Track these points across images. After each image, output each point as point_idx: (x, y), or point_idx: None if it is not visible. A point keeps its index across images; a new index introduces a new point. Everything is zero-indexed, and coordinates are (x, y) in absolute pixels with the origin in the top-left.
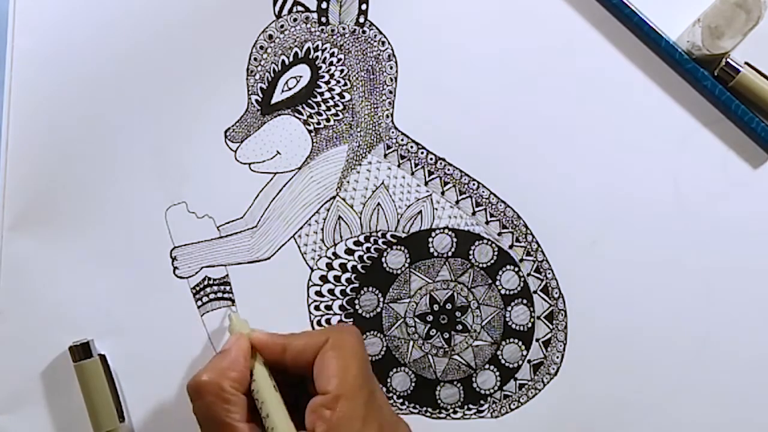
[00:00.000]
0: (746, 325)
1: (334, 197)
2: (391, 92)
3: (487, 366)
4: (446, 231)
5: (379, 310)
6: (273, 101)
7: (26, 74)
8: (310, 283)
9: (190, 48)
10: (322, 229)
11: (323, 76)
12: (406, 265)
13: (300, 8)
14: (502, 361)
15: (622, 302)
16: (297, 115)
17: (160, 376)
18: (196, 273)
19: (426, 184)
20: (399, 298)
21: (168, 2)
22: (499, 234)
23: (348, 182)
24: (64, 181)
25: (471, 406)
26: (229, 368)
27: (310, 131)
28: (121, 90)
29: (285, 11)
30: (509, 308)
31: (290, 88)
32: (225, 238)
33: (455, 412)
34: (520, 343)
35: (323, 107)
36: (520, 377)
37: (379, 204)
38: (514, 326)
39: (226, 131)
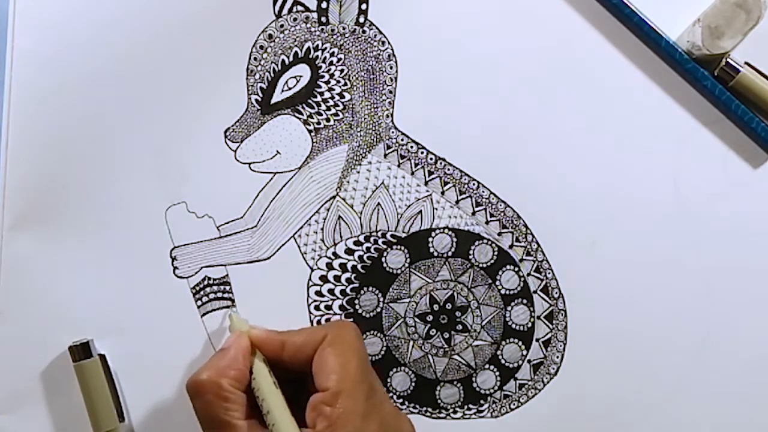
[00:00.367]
0: (746, 325)
1: (334, 197)
2: (391, 92)
3: (487, 366)
4: (446, 231)
5: (379, 310)
6: (273, 101)
7: (26, 74)
8: (310, 283)
9: (190, 48)
10: (322, 229)
11: (323, 76)
12: (406, 264)
13: (300, 8)
14: (502, 361)
15: (622, 302)
16: (297, 114)
17: (160, 376)
18: (196, 273)
19: (426, 183)
20: (399, 298)
21: (168, 2)
22: (499, 234)
23: (348, 182)
24: (64, 181)
25: (471, 406)
26: (228, 366)
27: (310, 131)
28: (121, 90)
29: (285, 11)
30: (509, 308)
31: (290, 88)
32: (225, 238)
33: (455, 412)
34: (520, 343)
35: (323, 107)
36: (520, 377)
37: (379, 204)
38: (514, 326)
39: (226, 131)
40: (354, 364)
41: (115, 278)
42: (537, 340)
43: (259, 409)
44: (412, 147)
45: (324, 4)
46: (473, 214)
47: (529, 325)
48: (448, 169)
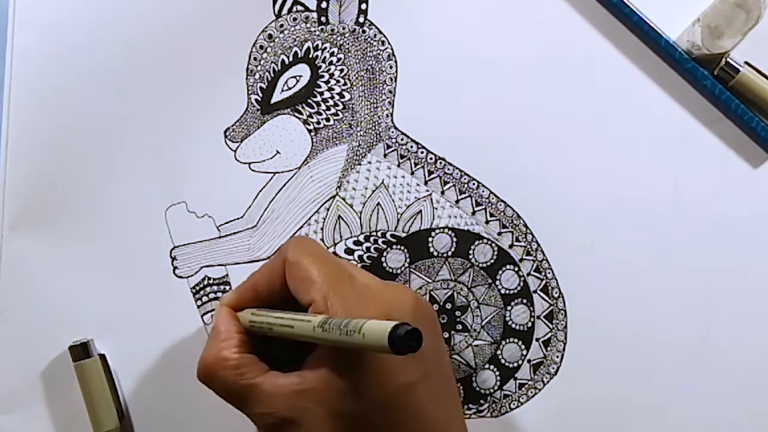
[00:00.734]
0: (746, 325)
1: (333, 197)
2: (390, 92)
3: (486, 365)
4: (446, 230)
5: None
6: (273, 101)
7: (26, 74)
8: None
9: (190, 48)
10: (322, 229)
11: (323, 76)
12: (406, 264)
13: (300, 8)
14: (502, 361)
15: (622, 302)
16: (297, 114)
17: (160, 376)
18: (196, 273)
19: (426, 183)
20: None
21: (168, 2)
22: (499, 233)
23: (348, 182)
24: (64, 181)
25: (471, 405)
26: (224, 339)
27: (309, 131)
28: (121, 90)
29: (285, 11)
30: (509, 308)
31: (290, 88)
32: (225, 238)
33: None
34: (520, 343)
35: (323, 107)
36: (520, 377)
37: (378, 203)
38: (514, 326)
39: (225, 131)
40: (320, 264)
41: (115, 278)
42: (537, 339)
43: (276, 362)
44: (411, 147)
45: (324, 4)
46: (473, 213)
47: (529, 324)
48: (448, 169)
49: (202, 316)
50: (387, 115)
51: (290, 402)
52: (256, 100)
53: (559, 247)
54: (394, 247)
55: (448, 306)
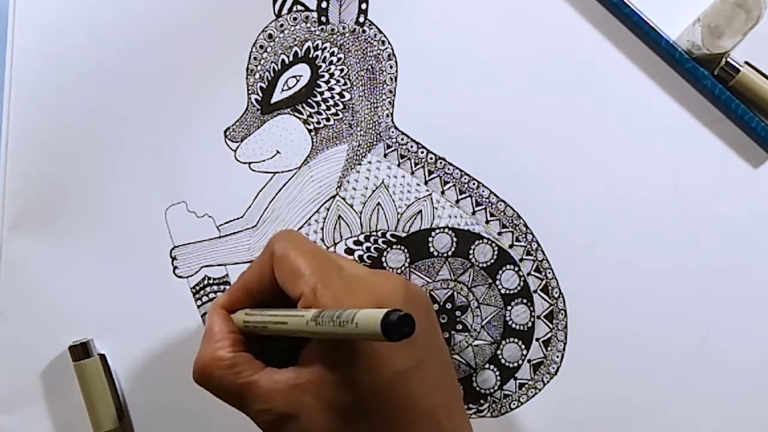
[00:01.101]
0: (746, 325)
1: (333, 197)
2: (390, 92)
3: (487, 365)
4: (446, 230)
5: None
6: (273, 100)
7: (26, 74)
8: None
9: (190, 47)
10: (322, 229)
11: (323, 76)
12: (406, 264)
13: (300, 7)
14: (502, 361)
15: (622, 301)
16: (297, 114)
17: (160, 376)
18: (196, 272)
19: (426, 183)
20: None
21: (168, 2)
22: (499, 233)
23: (348, 182)
24: (64, 180)
25: (471, 405)
26: (218, 340)
27: (309, 131)
28: (121, 89)
29: (285, 10)
30: (509, 308)
31: (290, 88)
32: (225, 238)
33: None
34: (520, 343)
35: (323, 107)
36: (520, 377)
37: (378, 203)
38: (514, 326)
39: (225, 131)
40: (308, 258)
41: (115, 278)
42: (537, 339)
43: (272, 361)
44: (412, 146)
45: (324, 4)
46: (473, 213)
47: (529, 324)
48: (448, 169)
49: (202, 316)
50: (387, 115)
51: (288, 397)
52: (256, 99)
53: (559, 247)
54: (394, 247)
55: (448, 306)
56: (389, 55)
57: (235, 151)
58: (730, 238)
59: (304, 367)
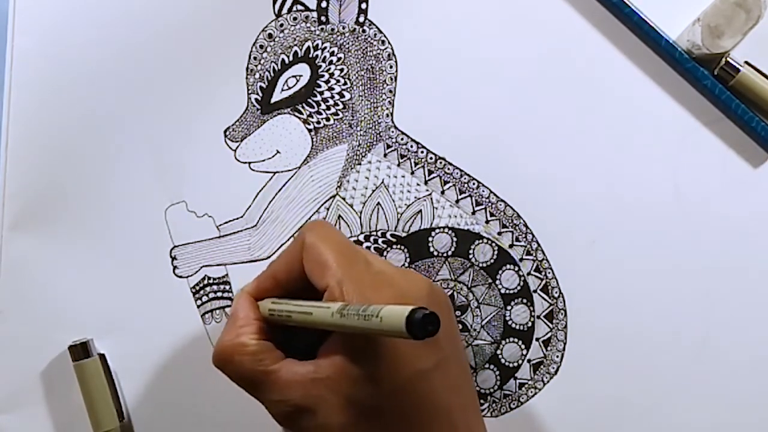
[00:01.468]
0: (746, 325)
1: (333, 196)
2: (390, 91)
3: (487, 365)
4: (446, 230)
5: None
6: (273, 100)
7: (26, 74)
8: None
9: (190, 47)
10: None
11: (323, 75)
12: (406, 264)
13: (300, 7)
14: (502, 361)
15: (622, 301)
16: (297, 114)
17: (160, 376)
18: (196, 272)
19: (426, 183)
20: None
21: (168, 2)
22: (499, 233)
23: (348, 181)
24: (64, 180)
25: None
26: (242, 325)
27: (309, 130)
28: (121, 89)
29: (285, 10)
30: (509, 307)
31: (290, 87)
32: (224, 238)
33: None
34: (520, 343)
35: (323, 106)
36: (520, 376)
37: (378, 203)
38: (514, 325)
39: (225, 130)
40: (336, 250)
41: (115, 278)
42: (537, 339)
43: (293, 351)
44: (411, 146)
45: (324, 4)
46: (473, 213)
47: (529, 324)
48: (448, 169)
49: (202, 316)
50: (387, 115)
51: (305, 390)
52: (256, 99)
53: (559, 247)
54: (394, 246)
55: None
56: (389, 55)
57: (235, 150)
58: (730, 238)
59: (323, 360)
